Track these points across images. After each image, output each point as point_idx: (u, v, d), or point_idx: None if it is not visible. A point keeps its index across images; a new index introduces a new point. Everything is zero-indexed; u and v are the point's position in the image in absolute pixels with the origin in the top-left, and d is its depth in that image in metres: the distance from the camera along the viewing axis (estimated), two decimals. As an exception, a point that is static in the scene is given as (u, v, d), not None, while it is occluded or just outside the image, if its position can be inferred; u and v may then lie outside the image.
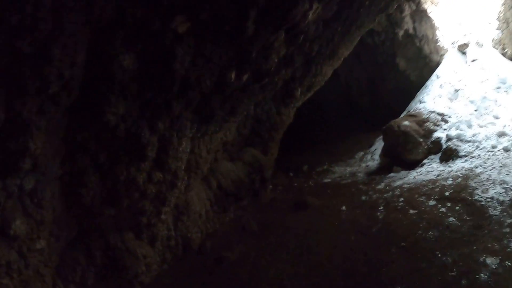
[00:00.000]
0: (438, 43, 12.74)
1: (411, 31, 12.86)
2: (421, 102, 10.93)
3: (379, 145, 10.56)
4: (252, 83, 5.12)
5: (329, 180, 9.62)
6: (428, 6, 12.71)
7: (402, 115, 11.21)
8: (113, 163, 4.21)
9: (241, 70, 4.61)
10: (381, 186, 8.05)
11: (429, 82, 12.05)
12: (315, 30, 5.54)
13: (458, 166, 7.76)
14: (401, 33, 13.01)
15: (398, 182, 8.00)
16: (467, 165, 7.59)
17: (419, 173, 8.25)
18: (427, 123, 9.74)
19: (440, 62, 12.66)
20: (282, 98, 8.30)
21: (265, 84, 5.55)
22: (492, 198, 5.92)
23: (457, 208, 5.98)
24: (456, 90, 10.81)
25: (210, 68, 4.24)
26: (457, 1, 12.81)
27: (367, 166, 10.30)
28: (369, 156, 11.06)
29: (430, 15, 12.63)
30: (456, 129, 9.23)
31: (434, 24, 12.66)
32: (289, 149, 11.09)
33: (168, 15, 3.49)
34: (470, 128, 9.19)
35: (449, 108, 10.24)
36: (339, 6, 5.50)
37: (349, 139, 12.94)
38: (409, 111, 11.58)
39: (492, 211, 5.65)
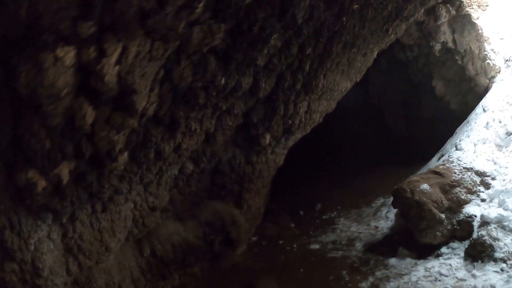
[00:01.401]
0: (487, 61, 9.09)
1: (450, 44, 9.31)
2: (456, 148, 7.45)
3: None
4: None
5: (318, 246, 7.75)
6: (473, 10, 9.11)
7: (424, 169, 7.85)
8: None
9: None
10: (364, 285, 5.90)
11: (472, 117, 8.48)
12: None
13: (486, 279, 5.10)
14: (437, 47, 9.51)
15: (391, 285, 5.74)
16: (500, 282, 4.89)
17: (427, 274, 5.72)
18: (458, 189, 6.32)
19: (490, 87, 9.04)
20: (251, 146, 6.63)
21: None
22: None
23: None
24: (509, 134, 7.25)
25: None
26: (517, 3, 9.12)
27: (377, 227, 8.05)
28: (386, 210, 8.68)
29: (475, 22, 9.02)
30: (500, 205, 5.78)
31: (481, 35, 9.03)
32: (303, 177, 10.47)
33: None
34: (523, 201, 5.76)
35: (495, 163, 6.74)
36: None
37: (376, 173, 11.10)
38: (438, 160, 8.14)
39: None
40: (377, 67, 12.93)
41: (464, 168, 6.68)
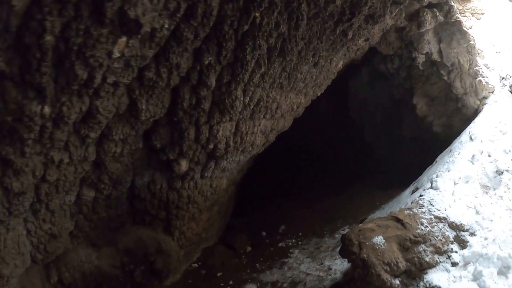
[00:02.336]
0: (479, 78, 7.41)
1: (435, 56, 7.62)
2: (431, 186, 5.76)
3: (379, 215, 7.19)
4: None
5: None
6: (465, 18, 7.43)
7: (392, 205, 6.20)
8: None
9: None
10: None
11: (456, 145, 6.80)
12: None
13: None
14: (420, 59, 7.83)
15: None
16: None
17: None
18: (422, 247, 4.57)
19: (480, 110, 7.37)
20: (170, 171, 5.75)
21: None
22: None
23: None
24: (499, 172, 5.57)
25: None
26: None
27: (329, 269, 6.87)
28: None
29: (467, 31, 7.33)
30: (475, 278, 4.05)
31: (473, 47, 7.35)
32: (272, 194, 10.08)
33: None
34: (507, 275, 4.07)
35: (478, 212, 5.04)
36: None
37: (349, 194, 10.15)
38: (411, 195, 6.48)
39: None
40: (359, 79, 11.41)
41: (436, 217, 4.98)
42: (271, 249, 8.15)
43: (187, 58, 3.76)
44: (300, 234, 8.50)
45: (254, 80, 4.33)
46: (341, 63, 6.61)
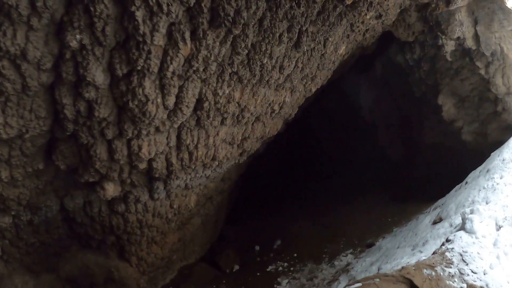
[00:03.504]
0: (529, 74, 5.42)
1: (469, 42, 5.65)
2: (463, 225, 3.89)
3: (389, 244, 5.74)
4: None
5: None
6: (511, -9, 5.43)
7: (394, 239, 4.58)
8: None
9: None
10: None
11: (495, 164, 4.89)
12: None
13: None
14: (448, 46, 5.87)
15: None
16: None
17: None
18: None
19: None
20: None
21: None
22: None
23: None
24: None
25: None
26: None
27: None
28: (343, 283, 5.78)
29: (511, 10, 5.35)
30: None
31: (522, 31, 5.37)
32: (272, 204, 9.27)
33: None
34: None
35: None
36: None
37: (356, 207, 8.70)
38: (433, 226, 4.59)
39: None
40: (371, 74, 9.56)
41: (470, 286, 3.14)
42: (258, 274, 7.01)
43: (36, 39, 2.01)
44: (295, 255, 7.28)
45: (172, 69, 2.54)
46: (344, 47, 4.73)
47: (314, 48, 3.98)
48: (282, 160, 11.76)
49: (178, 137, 3.45)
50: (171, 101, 2.83)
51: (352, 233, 7.53)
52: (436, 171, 8.03)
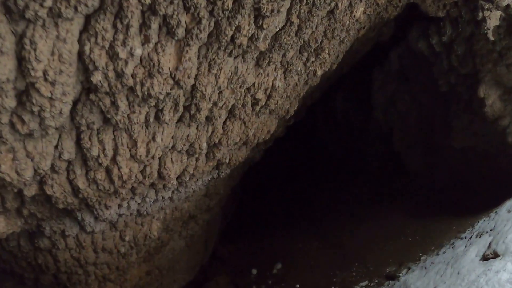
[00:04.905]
0: None
1: (524, 12, 4.21)
2: None
3: (419, 283, 4.32)
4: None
5: None
6: None
7: (424, 276, 3.37)
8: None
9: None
10: None
11: None
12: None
13: None
14: (492, 20, 4.43)
15: None
16: None
17: None
18: None
19: None
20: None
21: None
22: None
23: None
24: None
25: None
26: None
27: None
28: None
29: None
30: None
31: None
32: (275, 221, 8.29)
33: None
34: None
35: None
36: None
37: (369, 225, 7.37)
38: (477, 259, 3.12)
39: None
40: (386, 68, 8.19)
41: None
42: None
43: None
44: (298, 286, 6.36)
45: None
46: (362, 9, 3.27)
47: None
48: (284, 169, 10.58)
49: (78, 143, 2.01)
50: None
51: (366, 257, 6.40)
52: (464, 181, 6.68)
